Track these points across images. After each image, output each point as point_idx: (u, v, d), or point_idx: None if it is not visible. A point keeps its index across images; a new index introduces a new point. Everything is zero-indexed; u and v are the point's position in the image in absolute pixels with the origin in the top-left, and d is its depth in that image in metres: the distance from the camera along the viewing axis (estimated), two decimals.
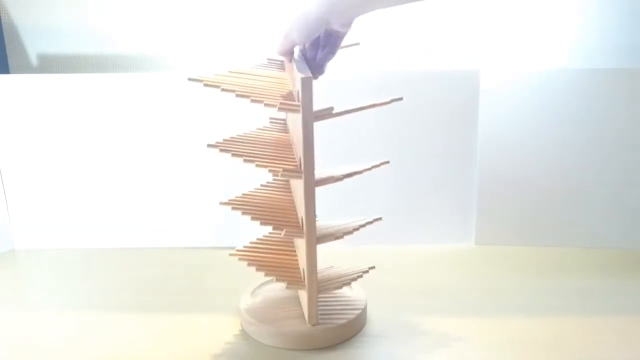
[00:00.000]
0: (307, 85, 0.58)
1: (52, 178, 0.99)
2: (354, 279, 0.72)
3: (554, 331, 0.70)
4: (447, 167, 0.98)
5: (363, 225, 0.71)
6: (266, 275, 0.68)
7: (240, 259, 0.69)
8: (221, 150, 0.63)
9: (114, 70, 1.06)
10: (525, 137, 0.97)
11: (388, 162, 0.71)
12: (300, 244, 0.68)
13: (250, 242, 0.73)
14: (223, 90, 0.61)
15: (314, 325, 0.67)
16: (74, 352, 0.66)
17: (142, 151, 0.98)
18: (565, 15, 1.01)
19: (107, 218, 1.01)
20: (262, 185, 0.74)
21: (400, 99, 0.67)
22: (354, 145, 0.97)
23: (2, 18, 1.05)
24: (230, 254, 0.68)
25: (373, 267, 0.74)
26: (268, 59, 0.73)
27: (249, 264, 0.68)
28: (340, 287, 0.70)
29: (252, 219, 0.67)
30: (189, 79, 0.62)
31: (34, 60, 1.07)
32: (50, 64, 1.06)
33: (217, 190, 0.97)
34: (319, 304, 0.69)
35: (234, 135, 0.67)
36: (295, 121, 0.64)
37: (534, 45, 1.02)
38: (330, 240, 0.67)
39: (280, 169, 0.62)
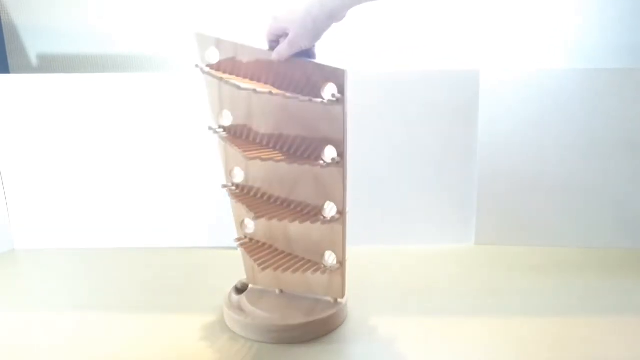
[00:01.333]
0: (346, 77, 0.64)
1: (52, 178, 1.00)
2: None
3: (553, 331, 0.70)
4: (447, 167, 0.99)
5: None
6: (304, 272, 0.70)
7: (263, 269, 0.71)
8: (263, 159, 0.65)
9: (114, 70, 1.06)
10: (525, 138, 0.97)
11: (334, 159, 0.69)
12: (312, 228, 0.70)
13: (252, 255, 0.73)
14: (257, 92, 0.63)
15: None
16: (73, 351, 0.66)
17: (141, 151, 0.98)
18: (565, 16, 1.01)
19: (107, 218, 1.01)
20: (234, 196, 0.73)
21: (333, 96, 0.66)
22: (354, 145, 0.97)
23: (2, 18, 1.05)
24: (263, 268, 0.70)
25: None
26: (198, 66, 0.69)
27: (280, 270, 0.70)
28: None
29: (291, 221, 0.69)
30: (231, 84, 0.64)
31: (34, 60, 1.07)
32: (50, 64, 1.07)
33: (215, 191, 0.97)
34: (309, 297, 0.74)
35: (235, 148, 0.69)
36: (317, 113, 0.66)
37: (534, 45, 1.02)
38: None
39: (322, 163, 0.66)
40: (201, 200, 0.99)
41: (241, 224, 0.76)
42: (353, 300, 0.77)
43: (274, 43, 0.66)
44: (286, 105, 0.67)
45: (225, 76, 0.66)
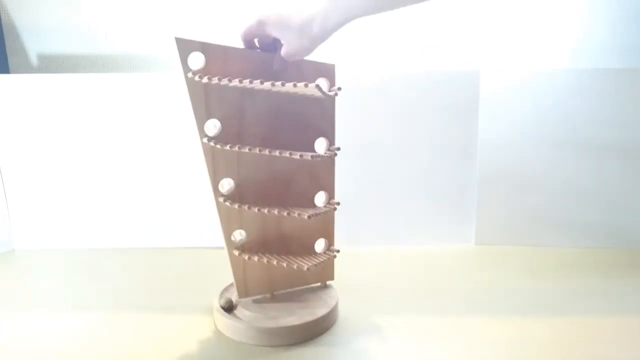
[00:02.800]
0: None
1: (52, 178, 1.00)
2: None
3: (553, 330, 0.70)
4: (447, 167, 0.99)
5: None
6: (308, 270, 0.69)
7: (278, 263, 0.70)
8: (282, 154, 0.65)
9: (114, 71, 1.06)
10: (525, 138, 0.97)
11: (339, 148, 0.70)
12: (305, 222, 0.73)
13: (249, 257, 0.72)
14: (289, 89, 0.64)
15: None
16: (73, 351, 0.66)
17: (141, 151, 0.98)
18: (565, 16, 1.01)
19: (107, 218, 1.01)
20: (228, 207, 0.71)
21: (339, 89, 0.68)
22: (354, 145, 0.97)
23: (2, 18, 1.05)
24: (276, 263, 0.70)
25: (325, 286, 0.78)
26: (193, 74, 0.65)
27: (293, 268, 0.70)
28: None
29: (301, 217, 0.68)
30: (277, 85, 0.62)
31: (34, 60, 1.07)
32: (50, 64, 1.07)
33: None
34: (300, 299, 0.75)
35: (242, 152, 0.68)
36: (310, 109, 0.69)
37: (534, 45, 1.02)
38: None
39: (326, 154, 0.67)
40: (201, 200, 0.99)
41: (231, 236, 0.71)
42: (353, 299, 0.77)
43: (250, 43, 0.65)
44: (280, 104, 0.68)
45: (215, 80, 0.64)
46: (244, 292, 0.74)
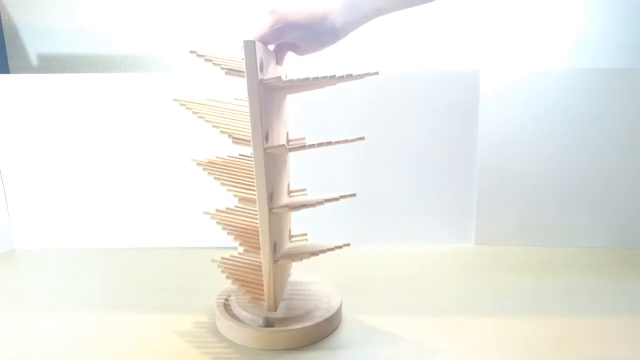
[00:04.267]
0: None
1: (52, 178, 1.00)
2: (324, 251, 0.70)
3: (553, 331, 0.70)
4: (447, 167, 0.99)
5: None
6: (309, 257, 0.68)
7: (290, 258, 0.68)
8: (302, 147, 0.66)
9: (114, 70, 1.06)
10: (525, 138, 0.97)
11: (363, 138, 0.68)
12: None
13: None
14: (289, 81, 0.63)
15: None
16: (73, 351, 0.66)
17: (141, 151, 0.98)
18: (565, 16, 1.01)
19: (107, 218, 1.01)
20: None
21: (377, 73, 0.63)
22: (354, 145, 0.96)
23: (2, 18, 1.05)
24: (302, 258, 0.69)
25: (348, 244, 0.69)
26: (283, 78, 0.64)
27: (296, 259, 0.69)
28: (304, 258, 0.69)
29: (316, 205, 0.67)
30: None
31: (34, 60, 1.07)
32: (50, 64, 1.07)
33: (216, 191, 0.97)
34: (302, 301, 0.73)
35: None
36: (285, 106, 0.73)
37: (535, 45, 1.02)
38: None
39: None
40: (201, 200, 0.99)
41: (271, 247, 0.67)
42: (353, 299, 0.77)
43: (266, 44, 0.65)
44: (281, 102, 0.69)
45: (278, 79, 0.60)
46: (278, 302, 0.70)
